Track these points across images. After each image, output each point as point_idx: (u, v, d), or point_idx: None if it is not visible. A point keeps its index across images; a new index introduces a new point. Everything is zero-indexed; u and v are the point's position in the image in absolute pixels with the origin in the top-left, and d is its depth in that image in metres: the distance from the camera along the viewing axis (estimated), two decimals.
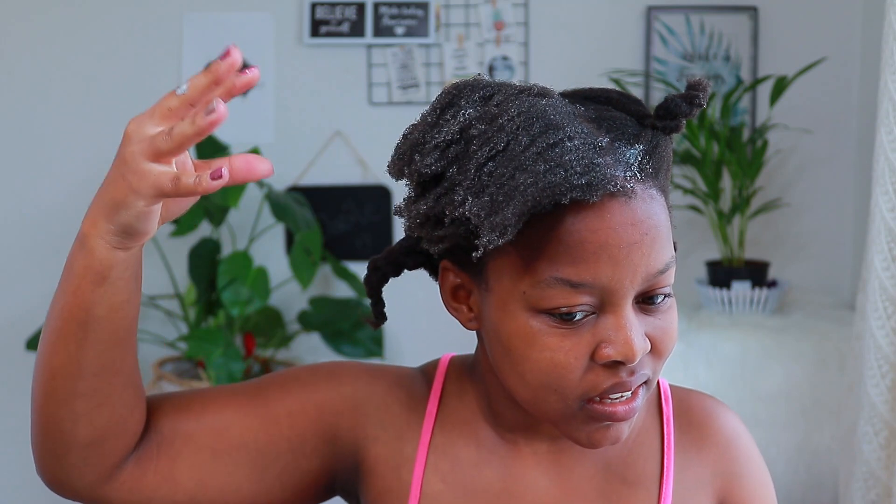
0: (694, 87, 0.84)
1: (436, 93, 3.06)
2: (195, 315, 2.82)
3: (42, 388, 0.85)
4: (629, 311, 0.82)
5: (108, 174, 0.78)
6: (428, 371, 0.99)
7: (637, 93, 3.03)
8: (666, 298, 0.85)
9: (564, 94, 0.88)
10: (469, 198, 0.78)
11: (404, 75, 3.06)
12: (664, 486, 0.93)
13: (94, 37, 3.00)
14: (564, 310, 0.81)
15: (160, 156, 0.75)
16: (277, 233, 3.03)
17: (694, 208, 2.90)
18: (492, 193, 0.77)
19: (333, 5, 3.02)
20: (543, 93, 0.83)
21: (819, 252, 3.16)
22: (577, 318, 0.81)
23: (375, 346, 2.89)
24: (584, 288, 0.80)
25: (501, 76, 3.06)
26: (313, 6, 3.02)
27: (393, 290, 1.05)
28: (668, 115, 0.84)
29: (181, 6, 3.01)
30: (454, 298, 0.90)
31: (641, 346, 0.82)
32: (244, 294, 2.65)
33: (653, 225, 0.81)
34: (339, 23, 3.03)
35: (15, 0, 2.97)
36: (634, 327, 0.82)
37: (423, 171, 0.82)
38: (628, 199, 0.80)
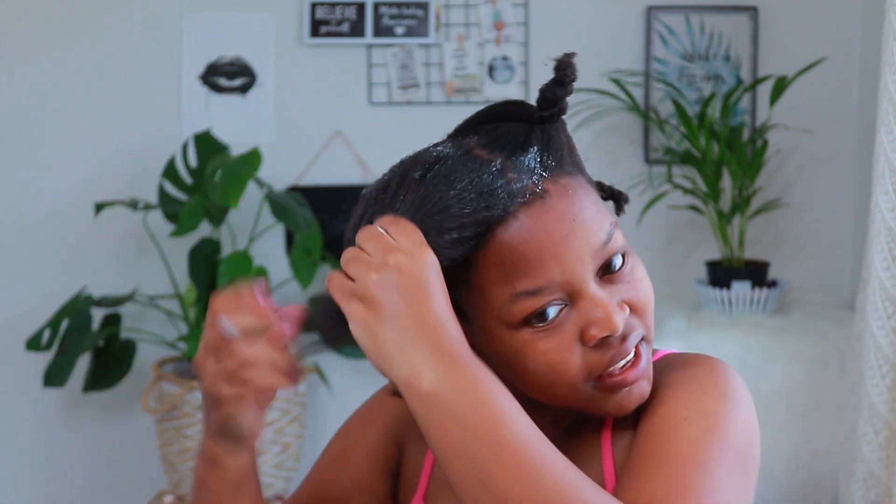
0: (560, 68, 0.87)
1: (436, 93, 3.07)
2: (195, 315, 2.81)
3: None
4: (595, 290, 0.86)
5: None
6: None
7: (637, 93, 3.03)
8: (625, 261, 0.88)
9: (456, 132, 0.92)
10: None
11: (404, 75, 3.06)
12: (604, 437, 0.94)
13: (94, 37, 3.00)
14: (535, 313, 0.85)
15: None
16: (277, 233, 3.03)
17: (694, 208, 2.90)
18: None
19: (333, 5, 3.02)
20: (427, 161, 0.86)
21: (819, 252, 3.16)
22: (552, 316, 0.85)
23: None
24: (545, 291, 0.84)
25: (501, 76, 3.06)
26: (313, 6, 3.02)
27: None
28: (549, 105, 0.88)
29: (181, 6, 3.01)
30: None
31: (620, 315, 0.86)
32: None
33: (577, 210, 0.86)
34: (339, 23, 3.03)
35: (15, 0, 2.98)
36: (607, 300, 0.86)
37: None
38: (544, 200, 0.84)
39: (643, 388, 0.89)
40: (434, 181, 0.84)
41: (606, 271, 0.87)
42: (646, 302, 0.89)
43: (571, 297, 0.86)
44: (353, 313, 0.80)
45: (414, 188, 0.84)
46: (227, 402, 0.85)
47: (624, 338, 0.87)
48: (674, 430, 0.85)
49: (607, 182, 0.98)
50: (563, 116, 0.90)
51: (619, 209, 0.98)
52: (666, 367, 0.94)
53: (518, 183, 0.84)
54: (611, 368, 0.87)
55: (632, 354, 0.88)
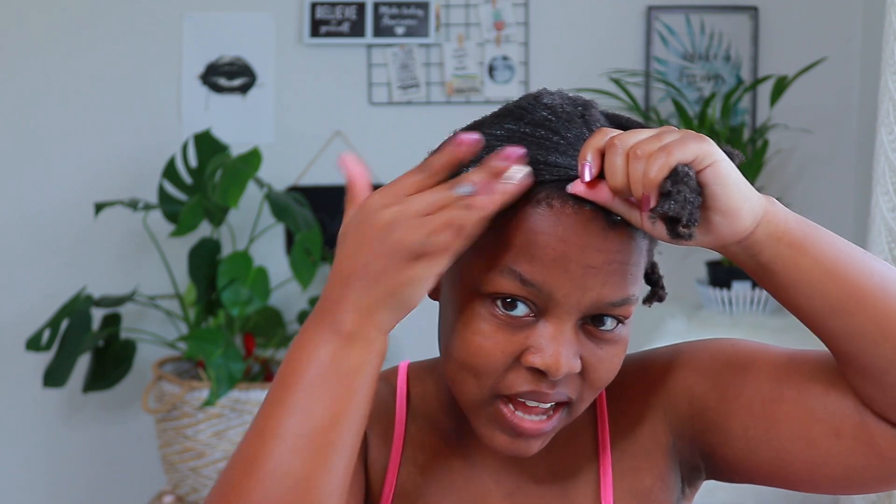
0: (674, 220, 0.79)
1: (436, 93, 3.07)
2: (195, 315, 2.81)
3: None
4: (567, 327, 0.82)
5: (365, 271, 0.80)
6: (389, 377, 1.00)
7: (637, 93, 3.03)
8: (617, 327, 0.85)
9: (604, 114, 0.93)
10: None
11: (404, 75, 3.06)
12: (602, 463, 0.93)
13: (94, 37, 3.00)
14: (508, 299, 0.82)
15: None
16: (277, 233, 3.03)
17: None
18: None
19: (333, 5, 3.02)
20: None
21: None
22: (518, 313, 0.82)
23: None
24: (531, 288, 0.81)
25: (501, 76, 3.06)
26: (313, 6, 3.02)
27: None
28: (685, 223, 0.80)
29: (181, 6, 3.01)
30: None
31: (567, 363, 0.82)
32: (244, 294, 2.65)
33: (620, 260, 0.82)
34: (339, 23, 3.03)
35: (15, 0, 2.97)
36: (567, 343, 0.82)
37: None
38: (607, 228, 0.81)
39: (529, 446, 0.86)
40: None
41: (593, 323, 0.84)
42: (599, 377, 0.85)
43: (545, 314, 0.82)
44: (717, 155, 0.79)
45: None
46: (434, 254, 0.78)
47: (553, 385, 0.83)
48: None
49: None
50: None
51: (647, 299, 0.96)
52: (640, 360, 0.96)
53: None
54: (520, 398, 0.84)
55: (546, 407, 0.85)
